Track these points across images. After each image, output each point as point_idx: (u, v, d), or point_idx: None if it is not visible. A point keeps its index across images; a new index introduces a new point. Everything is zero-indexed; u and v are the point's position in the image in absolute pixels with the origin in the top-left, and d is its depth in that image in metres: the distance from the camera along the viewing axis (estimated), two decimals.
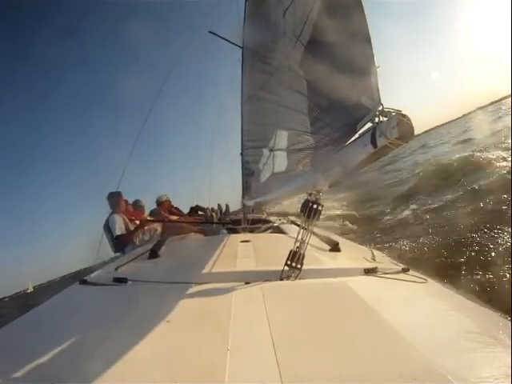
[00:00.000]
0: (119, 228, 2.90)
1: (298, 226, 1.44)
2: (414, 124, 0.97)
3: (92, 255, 2.18)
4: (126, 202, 3.44)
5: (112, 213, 3.01)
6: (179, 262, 1.88)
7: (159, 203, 4.25)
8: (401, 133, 0.94)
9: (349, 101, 1.18)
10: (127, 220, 3.08)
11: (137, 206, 3.81)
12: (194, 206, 5.28)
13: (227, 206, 5.90)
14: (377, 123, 1.02)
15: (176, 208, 4.92)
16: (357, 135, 1.16)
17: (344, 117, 1.26)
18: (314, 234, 1.58)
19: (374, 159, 1.10)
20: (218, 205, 5.87)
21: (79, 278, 1.56)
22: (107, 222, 2.97)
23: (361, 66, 1.16)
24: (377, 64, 1.10)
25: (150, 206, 4.34)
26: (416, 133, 0.98)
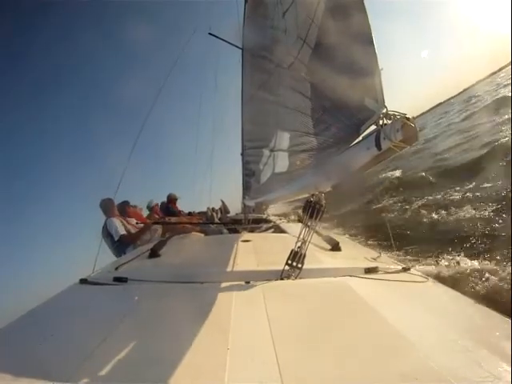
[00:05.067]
0: (119, 230, 2.87)
1: (300, 225, 1.45)
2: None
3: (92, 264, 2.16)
4: (128, 204, 3.44)
5: (108, 218, 2.97)
6: (180, 262, 1.88)
7: (150, 208, 4.33)
8: (405, 136, 0.95)
9: (352, 103, 1.19)
10: (125, 222, 3.06)
11: (137, 209, 3.87)
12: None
13: (223, 202, 5.92)
14: (381, 126, 1.03)
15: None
16: (360, 137, 1.17)
17: (347, 119, 1.26)
18: (315, 233, 1.59)
19: (378, 162, 1.11)
20: (222, 201, 5.89)
21: None
22: (105, 227, 2.93)
23: (364, 68, 1.16)
24: (380, 65, 1.11)
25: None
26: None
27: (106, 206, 3.04)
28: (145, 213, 4.22)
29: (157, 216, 4.18)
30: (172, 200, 4.93)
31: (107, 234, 2.88)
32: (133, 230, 3.06)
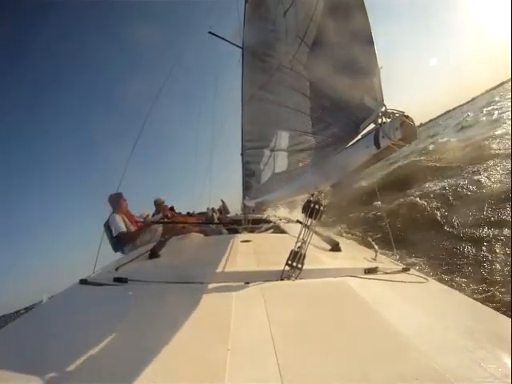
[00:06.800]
0: (119, 227, 2.93)
1: (299, 225, 1.44)
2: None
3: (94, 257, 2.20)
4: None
5: (112, 212, 3.05)
6: (179, 262, 1.88)
7: (157, 204, 4.34)
8: (404, 134, 0.94)
9: (352, 101, 1.18)
10: (127, 220, 3.09)
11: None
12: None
13: (223, 202, 5.90)
14: (380, 124, 1.02)
15: (172, 209, 4.93)
16: (359, 136, 1.16)
17: (346, 117, 1.26)
18: (315, 233, 1.58)
19: (377, 160, 1.11)
20: (222, 201, 5.87)
21: None
22: (107, 221, 3.02)
23: (363, 67, 1.16)
24: (379, 64, 1.11)
25: (149, 206, 4.40)
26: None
27: (114, 201, 3.15)
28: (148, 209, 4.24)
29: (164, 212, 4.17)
30: (159, 204, 4.86)
31: (109, 228, 2.97)
32: (133, 229, 3.09)
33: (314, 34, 1.56)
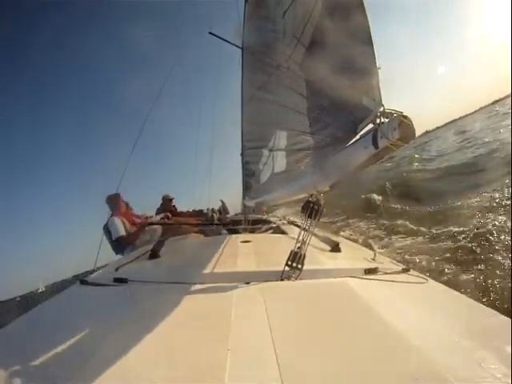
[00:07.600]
0: (118, 230, 2.93)
1: (299, 226, 1.44)
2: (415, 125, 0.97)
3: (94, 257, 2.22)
4: (127, 204, 3.47)
5: (111, 215, 3.05)
6: (179, 263, 1.88)
7: (165, 200, 4.38)
8: (402, 134, 0.94)
9: (350, 102, 1.19)
10: (126, 222, 3.10)
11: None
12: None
13: (223, 202, 5.91)
14: (378, 124, 1.02)
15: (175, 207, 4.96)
16: (358, 136, 1.16)
17: (345, 117, 1.26)
18: (315, 234, 1.58)
19: (375, 160, 1.11)
20: (222, 201, 5.88)
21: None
22: (107, 224, 3.01)
23: (362, 67, 1.16)
24: (378, 65, 1.10)
25: (149, 206, 4.42)
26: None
27: (113, 202, 3.15)
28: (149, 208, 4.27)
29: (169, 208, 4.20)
30: (168, 200, 4.93)
31: (108, 230, 2.97)
32: (133, 231, 3.09)
33: (312, 34, 1.56)
